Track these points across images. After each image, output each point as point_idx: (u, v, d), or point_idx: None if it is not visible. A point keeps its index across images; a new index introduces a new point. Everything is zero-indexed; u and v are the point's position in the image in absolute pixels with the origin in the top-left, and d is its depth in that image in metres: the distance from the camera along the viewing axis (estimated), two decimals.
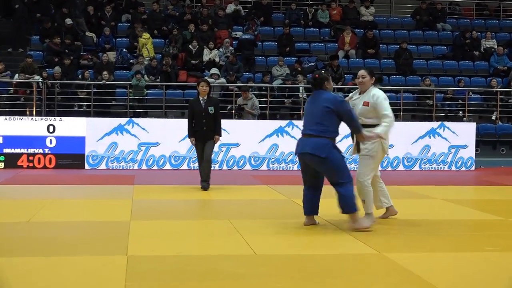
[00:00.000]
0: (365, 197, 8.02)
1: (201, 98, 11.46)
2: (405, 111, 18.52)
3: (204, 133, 11.37)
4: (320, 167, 7.63)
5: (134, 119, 15.60)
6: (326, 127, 7.56)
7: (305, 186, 7.97)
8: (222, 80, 18.43)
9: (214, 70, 18.63)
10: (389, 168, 16.00)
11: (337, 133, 7.65)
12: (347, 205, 7.63)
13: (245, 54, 20.47)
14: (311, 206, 7.95)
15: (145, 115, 18.06)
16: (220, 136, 11.60)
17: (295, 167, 15.54)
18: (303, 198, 8.00)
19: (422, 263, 6.17)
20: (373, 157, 7.98)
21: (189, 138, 11.63)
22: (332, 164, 7.53)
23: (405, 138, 16.08)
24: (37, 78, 17.55)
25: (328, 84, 7.79)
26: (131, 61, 19.67)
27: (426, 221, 8.68)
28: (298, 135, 15.35)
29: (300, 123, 15.90)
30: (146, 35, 19.97)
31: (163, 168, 14.85)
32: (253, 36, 21.06)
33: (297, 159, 8.10)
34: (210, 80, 15.48)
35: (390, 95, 19.03)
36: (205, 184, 11.51)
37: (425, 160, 16.26)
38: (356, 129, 7.77)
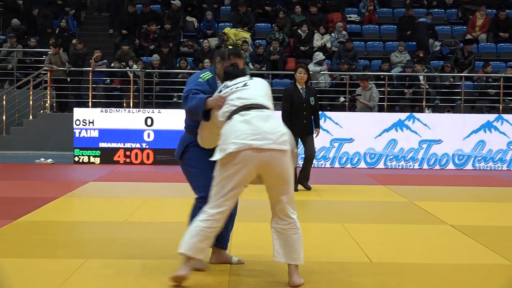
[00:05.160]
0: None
1: (299, 86, 11.10)
2: None
3: (303, 127, 11.05)
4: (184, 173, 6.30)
5: None
6: (187, 120, 6.14)
7: None
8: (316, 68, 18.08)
9: (319, 55, 18.39)
10: None
11: (196, 126, 5.97)
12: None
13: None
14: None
15: None
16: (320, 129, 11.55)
17: (416, 165, 15.31)
18: None
19: None
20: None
21: None
22: (184, 167, 6.22)
23: None
24: (134, 67, 18.01)
25: (220, 64, 6.07)
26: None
27: None
28: (420, 129, 15.42)
29: (422, 116, 15.67)
30: (226, 28, 20.02)
31: None
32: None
33: None
34: (316, 68, 15.35)
35: None
36: (306, 185, 11.39)
37: None
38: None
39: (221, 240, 6.15)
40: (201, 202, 5.81)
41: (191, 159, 6.03)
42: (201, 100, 5.62)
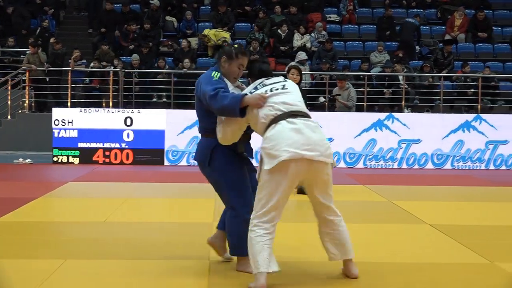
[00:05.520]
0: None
1: None
2: None
3: None
4: (210, 181, 6.18)
5: None
6: (205, 124, 6.05)
7: None
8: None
9: (302, 55, 18.46)
10: (504, 167, 15.59)
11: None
12: (231, 244, 6.07)
13: None
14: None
15: None
16: None
17: (396, 165, 15.37)
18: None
19: None
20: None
21: None
22: (213, 176, 6.07)
23: None
24: (114, 66, 17.93)
25: (226, 63, 6.03)
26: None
27: None
28: (400, 129, 15.49)
29: (401, 116, 15.75)
30: (206, 30, 19.99)
31: None
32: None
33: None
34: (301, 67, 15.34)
35: (505, 84, 18.59)
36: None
37: None
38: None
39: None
40: (249, 214, 5.64)
41: (222, 166, 5.92)
42: (237, 98, 5.56)
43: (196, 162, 6.20)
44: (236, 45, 6.20)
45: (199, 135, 6.16)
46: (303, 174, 5.47)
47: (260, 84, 5.76)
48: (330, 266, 5.96)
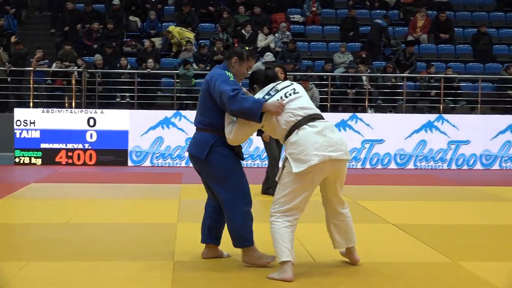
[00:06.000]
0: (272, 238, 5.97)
1: None
2: (484, 102, 18.18)
3: None
4: (205, 175, 6.22)
5: (181, 111, 15.74)
6: (209, 118, 6.12)
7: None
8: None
9: (269, 56, 18.51)
10: (465, 167, 15.80)
11: (223, 125, 6.07)
12: (236, 237, 6.17)
13: None
14: (207, 231, 6.41)
15: (193, 107, 18.14)
16: None
17: (359, 165, 15.46)
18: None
19: (499, 273, 6.12)
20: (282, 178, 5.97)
21: (257, 135, 10.11)
22: (209, 170, 6.11)
23: (483, 133, 15.87)
24: (76, 67, 17.79)
25: (237, 64, 6.18)
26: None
27: (506, 227, 8.57)
28: (363, 129, 15.58)
29: (365, 116, 15.86)
30: (171, 27, 19.92)
31: None
32: None
33: None
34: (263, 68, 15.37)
35: (467, 85, 18.80)
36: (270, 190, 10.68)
37: (506, 158, 15.99)
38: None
39: (215, 238, 6.38)
40: (248, 206, 6.07)
41: (220, 160, 6.02)
42: (259, 103, 5.76)
43: (188, 154, 6.25)
44: (247, 48, 6.29)
45: (192, 130, 6.24)
46: (327, 173, 5.87)
47: (273, 90, 6.00)
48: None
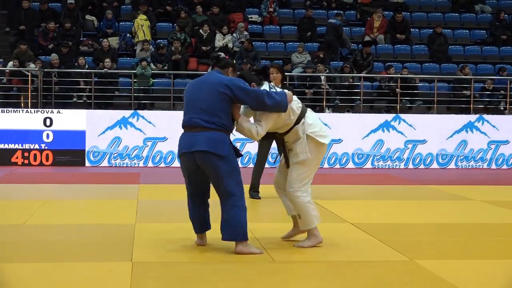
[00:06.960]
0: (299, 211, 7.06)
1: (277, 88, 10.62)
2: (440, 102, 18.41)
3: None
4: (212, 170, 6.61)
5: (139, 111, 15.65)
6: (223, 120, 6.62)
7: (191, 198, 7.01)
8: None
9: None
10: (422, 166, 15.98)
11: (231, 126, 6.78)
12: (234, 230, 6.69)
13: None
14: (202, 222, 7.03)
15: (151, 107, 18.09)
16: None
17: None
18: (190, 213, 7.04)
19: (456, 271, 6.18)
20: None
21: None
22: (229, 164, 6.63)
23: (439, 132, 16.07)
24: (32, 66, 17.62)
25: (231, 74, 6.92)
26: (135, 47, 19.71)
27: (462, 225, 8.68)
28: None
29: (323, 116, 15.90)
30: (142, 16, 19.88)
31: (171, 166, 14.79)
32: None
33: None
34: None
35: (423, 85, 19.01)
36: (256, 194, 10.83)
37: (461, 157, 16.21)
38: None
39: (205, 226, 7.03)
40: (243, 198, 6.76)
41: (234, 157, 6.69)
42: (284, 94, 6.80)
43: (195, 152, 6.57)
44: (234, 61, 7.14)
45: (195, 129, 6.58)
46: None
47: (271, 87, 6.98)
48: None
